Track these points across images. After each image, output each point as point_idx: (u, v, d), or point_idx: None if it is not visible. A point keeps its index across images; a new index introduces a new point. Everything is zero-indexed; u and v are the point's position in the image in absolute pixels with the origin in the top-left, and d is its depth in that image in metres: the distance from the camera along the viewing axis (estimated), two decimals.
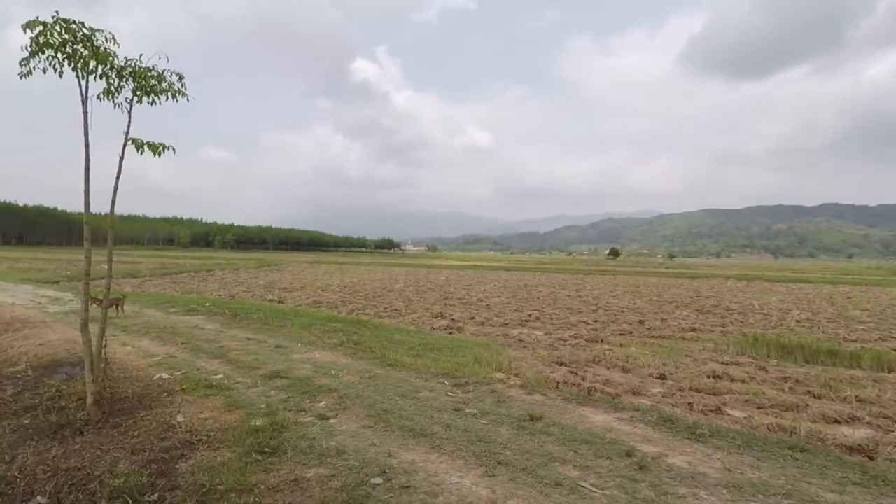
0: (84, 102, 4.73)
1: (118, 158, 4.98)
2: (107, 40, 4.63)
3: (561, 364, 9.13)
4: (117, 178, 4.99)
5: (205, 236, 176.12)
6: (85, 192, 4.86)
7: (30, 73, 4.53)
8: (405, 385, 6.56)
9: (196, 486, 3.74)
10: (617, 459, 4.33)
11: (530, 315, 16.05)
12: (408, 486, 3.74)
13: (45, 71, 4.54)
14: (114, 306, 14.22)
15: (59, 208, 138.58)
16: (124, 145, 4.91)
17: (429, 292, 23.71)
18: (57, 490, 3.75)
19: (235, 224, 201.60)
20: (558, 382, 7.46)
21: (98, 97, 4.78)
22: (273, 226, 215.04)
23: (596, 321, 15.23)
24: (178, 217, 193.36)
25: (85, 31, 4.49)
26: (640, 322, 15.26)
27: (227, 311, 13.33)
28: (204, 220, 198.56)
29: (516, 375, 7.89)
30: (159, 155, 5.09)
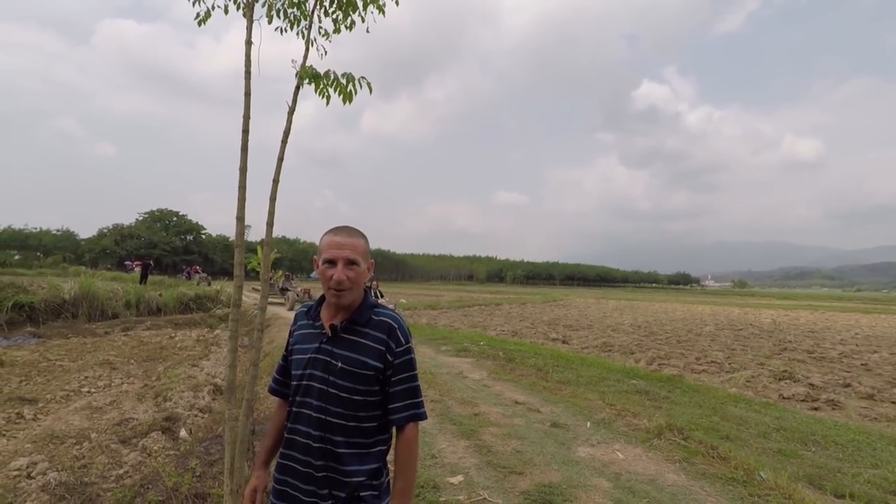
0: None
1: None
2: None
3: None
4: None
5: (498, 272, 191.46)
6: None
7: None
8: None
9: None
10: None
11: None
12: None
13: None
14: None
15: (391, 250, 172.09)
16: None
17: (754, 339, 17.39)
18: None
19: (525, 260, 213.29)
20: None
21: None
22: (560, 261, 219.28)
23: None
24: (477, 255, 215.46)
25: None
26: None
27: (501, 352, 11.19)
28: (498, 258, 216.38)
29: None
30: None
